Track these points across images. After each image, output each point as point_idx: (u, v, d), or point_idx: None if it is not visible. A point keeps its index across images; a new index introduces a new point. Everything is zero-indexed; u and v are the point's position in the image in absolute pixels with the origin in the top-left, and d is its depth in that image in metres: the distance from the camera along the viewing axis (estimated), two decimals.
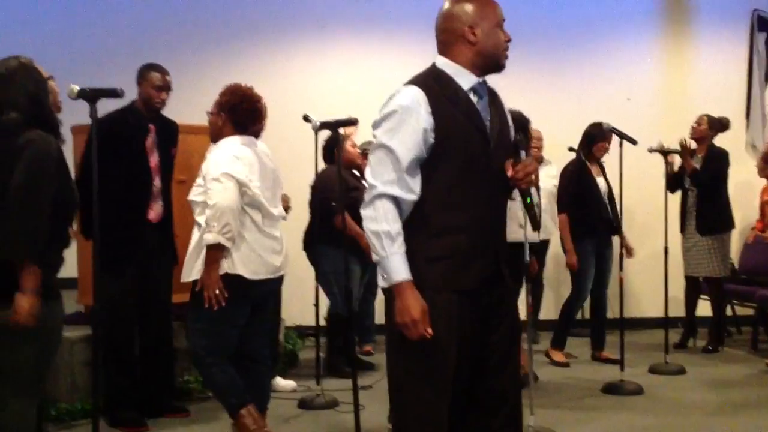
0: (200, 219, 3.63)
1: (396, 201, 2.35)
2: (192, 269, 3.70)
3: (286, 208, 5.12)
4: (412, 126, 2.36)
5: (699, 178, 6.25)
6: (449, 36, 2.46)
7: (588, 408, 4.75)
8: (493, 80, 2.58)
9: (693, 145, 6.27)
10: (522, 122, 5.04)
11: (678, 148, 6.07)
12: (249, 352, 3.88)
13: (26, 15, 7.24)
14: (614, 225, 5.82)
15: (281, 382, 5.22)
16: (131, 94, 3.25)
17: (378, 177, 2.36)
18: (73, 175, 3.08)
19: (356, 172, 5.68)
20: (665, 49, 7.89)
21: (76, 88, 2.88)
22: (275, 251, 3.76)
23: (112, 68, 6.75)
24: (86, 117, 2.95)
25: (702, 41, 7.86)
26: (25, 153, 2.72)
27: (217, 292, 3.57)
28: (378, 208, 2.33)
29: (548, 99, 7.22)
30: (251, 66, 7.31)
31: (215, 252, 3.56)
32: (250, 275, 3.66)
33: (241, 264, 3.64)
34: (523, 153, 4.44)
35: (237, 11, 7.45)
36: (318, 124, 3.80)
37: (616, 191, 5.29)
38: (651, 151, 5.71)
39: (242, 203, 3.63)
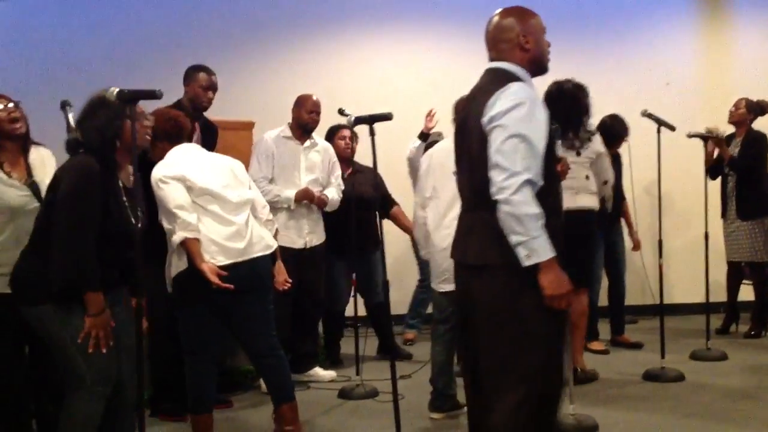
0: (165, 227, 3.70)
1: (533, 186, 2.55)
2: (169, 278, 3.77)
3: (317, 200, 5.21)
4: (540, 117, 2.62)
5: (737, 164, 6.18)
6: (506, 45, 2.75)
7: (629, 396, 4.73)
8: None
9: (720, 130, 6.17)
10: (572, 94, 4.93)
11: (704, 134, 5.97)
12: (253, 349, 3.88)
13: (57, 16, 7.38)
14: (610, 215, 5.88)
15: (321, 372, 5.30)
16: (168, 92, 3.29)
17: (517, 164, 2.52)
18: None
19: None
20: (704, 32, 7.78)
21: (115, 90, 2.93)
22: (238, 235, 3.72)
23: (150, 65, 6.93)
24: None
25: (742, 23, 7.73)
26: (63, 182, 2.99)
27: (216, 279, 3.56)
28: (525, 193, 2.50)
29: (585, 84, 7.16)
30: (288, 60, 7.39)
31: (190, 246, 3.58)
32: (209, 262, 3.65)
33: None
34: (559, 142, 4.46)
35: (273, 6, 7.50)
36: (353, 119, 3.82)
37: (653, 177, 5.24)
38: (690, 136, 5.65)
39: (192, 197, 3.67)
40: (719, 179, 6.39)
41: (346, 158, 5.70)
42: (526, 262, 2.51)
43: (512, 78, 2.66)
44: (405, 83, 7.36)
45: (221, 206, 3.74)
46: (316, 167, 5.27)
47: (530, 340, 2.61)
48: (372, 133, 3.71)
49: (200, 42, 7.15)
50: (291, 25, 7.49)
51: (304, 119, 5.22)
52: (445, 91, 7.60)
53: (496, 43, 2.76)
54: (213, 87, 4.64)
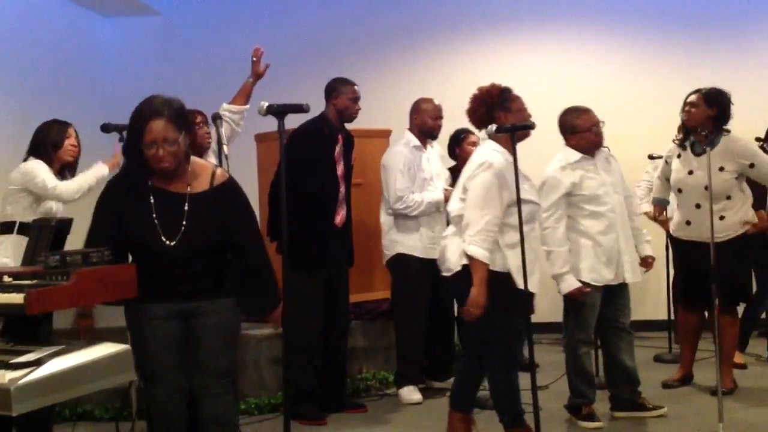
0: None
1: None
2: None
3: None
4: None
5: None
6: None
7: None
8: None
9: None
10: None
11: None
12: None
13: (215, 29, 7.72)
14: None
15: None
16: (313, 103, 3.35)
17: None
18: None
19: None
20: None
21: (265, 104, 3.02)
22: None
23: (287, 76, 7.15)
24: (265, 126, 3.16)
25: None
26: None
27: None
28: None
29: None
30: (423, 67, 7.44)
31: None
32: None
33: None
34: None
35: (410, 14, 7.58)
36: (493, 128, 3.77)
37: None
38: None
39: None
40: None
41: None
42: None
43: None
44: (545, 91, 7.24)
45: None
46: (442, 171, 5.30)
47: None
48: (513, 142, 3.67)
49: (334, 52, 7.34)
50: (428, 31, 7.54)
51: (429, 125, 5.17)
52: (590, 94, 7.35)
53: None
54: (359, 98, 4.80)
